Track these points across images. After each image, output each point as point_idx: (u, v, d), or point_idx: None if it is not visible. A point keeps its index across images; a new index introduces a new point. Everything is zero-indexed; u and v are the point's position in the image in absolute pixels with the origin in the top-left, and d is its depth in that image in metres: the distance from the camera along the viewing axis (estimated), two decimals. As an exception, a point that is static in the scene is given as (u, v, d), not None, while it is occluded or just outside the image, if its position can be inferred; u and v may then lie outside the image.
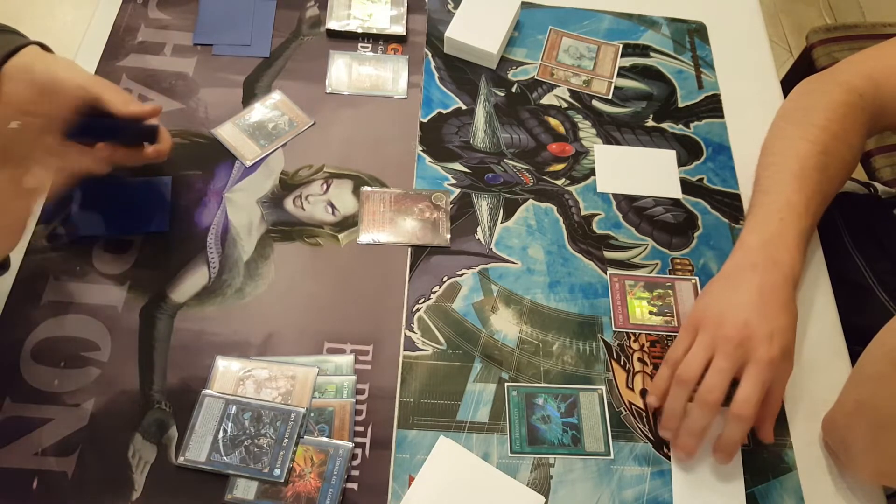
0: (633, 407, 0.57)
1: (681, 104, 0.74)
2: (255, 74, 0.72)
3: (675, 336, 0.60)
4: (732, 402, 0.52)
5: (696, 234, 0.66)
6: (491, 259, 0.63)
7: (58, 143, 0.52)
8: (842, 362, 0.61)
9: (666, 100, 0.74)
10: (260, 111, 0.69)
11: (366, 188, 0.66)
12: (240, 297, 0.60)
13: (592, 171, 0.69)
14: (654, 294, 0.63)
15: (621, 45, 0.78)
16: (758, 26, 0.81)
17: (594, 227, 0.66)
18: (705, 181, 0.70)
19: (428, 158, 0.68)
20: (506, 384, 0.57)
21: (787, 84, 0.72)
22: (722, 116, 0.74)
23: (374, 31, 0.75)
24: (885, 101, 0.64)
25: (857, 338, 0.62)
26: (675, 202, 0.68)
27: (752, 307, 0.54)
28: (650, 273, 0.64)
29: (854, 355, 0.61)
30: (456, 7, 0.77)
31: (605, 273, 0.63)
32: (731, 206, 0.68)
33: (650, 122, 0.73)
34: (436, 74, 0.74)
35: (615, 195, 0.68)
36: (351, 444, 0.53)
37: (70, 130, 0.53)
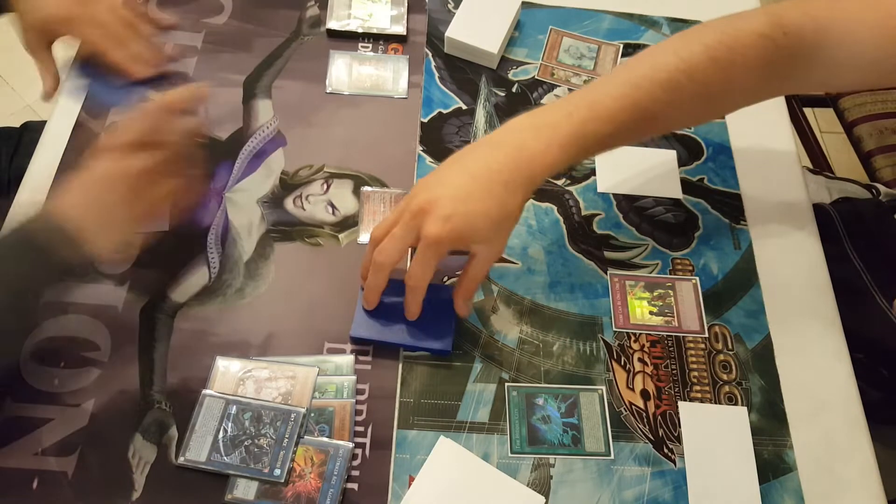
0: (633, 407, 0.57)
1: (681, 104, 0.74)
2: (255, 74, 0.72)
3: (676, 336, 0.60)
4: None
5: (696, 235, 0.66)
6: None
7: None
8: (842, 364, 0.61)
9: (666, 100, 0.74)
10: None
11: (366, 188, 0.66)
12: (240, 297, 0.60)
13: (593, 171, 0.69)
14: (655, 294, 0.63)
15: (622, 45, 0.78)
16: (758, 26, 0.81)
17: (594, 227, 0.66)
18: (706, 181, 0.70)
19: (428, 158, 0.68)
20: (506, 384, 0.57)
21: (788, 84, 0.72)
22: (722, 116, 0.74)
23: (375, 31, 0.75)
24: (823, 50, 0.53)
25: (856, 343, 0.62)
26: (676, 202, 0.68)
27: (453, 185, 0.51)
28: (650, 273, 0.64)
29: (854, 362, 0.61)
30: (456, 7, 0.77)
31: (606, 273, 0.63)
32: (731, 206, 0.68)
33: (650, 122, 0.73)
34: (436, 74, 0.74)
35: (615, 195, 0.68)
36: (351, 445, 0.53)
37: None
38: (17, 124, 0.85)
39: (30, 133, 0.82)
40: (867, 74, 0.56)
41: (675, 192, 0.69)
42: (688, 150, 0.71)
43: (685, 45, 0.53)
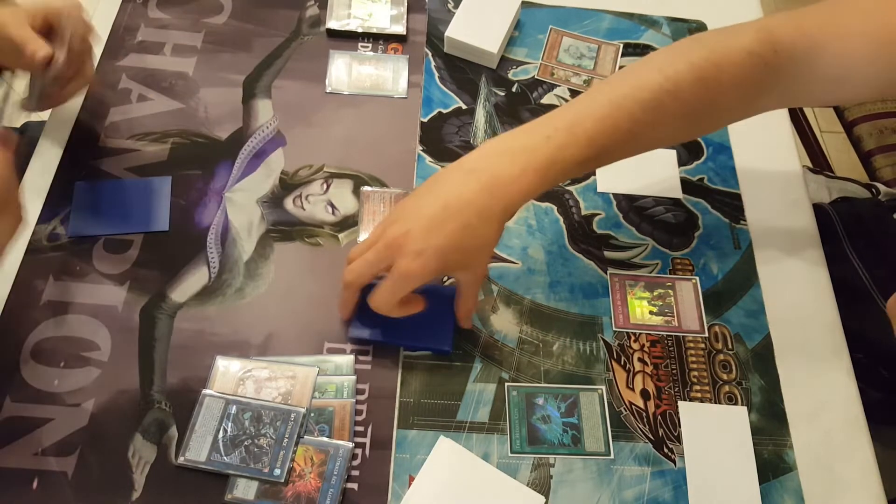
0: (633, 407, 0.57)
1: (681, 104, 0.74)
2: (255, 74, 0.72)
3: (676, 336, 0.60)
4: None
5: (696, 234, 0.66)
6: (491, 259, 0.63)
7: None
8: (842, 363, 0.61)
9: (666, 99, 0.74)
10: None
11: (366, 188, 0.66)
12: (240, 297, 0.60)
13: (593, 171, 0.69)
14: (655, 294, 0.63)
15: (622, 45, 0.77)
16: (758, 26, 0.81)
17: (594, 226, 0.66)
18: (706, 181, 0.70)
19: (428, 158, 0.68)
20: (506, 384, 0.57)
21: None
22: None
23: (375, 31, 0.75)
24: (817, 67, 0.52)
25: (856, 343, 0.62)
26: (676, 202, 0.68)
27: (425, 216, 0.50)
28: (650, 273, 0.64)
29: (854, 362, 0.61)
30: (456, 6, 0.77)
31: (606, 273, 0.63)
32: (731, 206, 0.68)
33: (650, 122, 0.72)
34: (436, 74, 0.74)
35: (615, 195, 0.68)
36: (351, 444, 0.53)
37: None
38: (17, 125, 0.85)
39: (30, 133, 0.82)
40: (863, 89, 0.54)
41: (675, 191, 0.69)
42: (688, 150, 0.71)
43: (671, 63, 0.52)
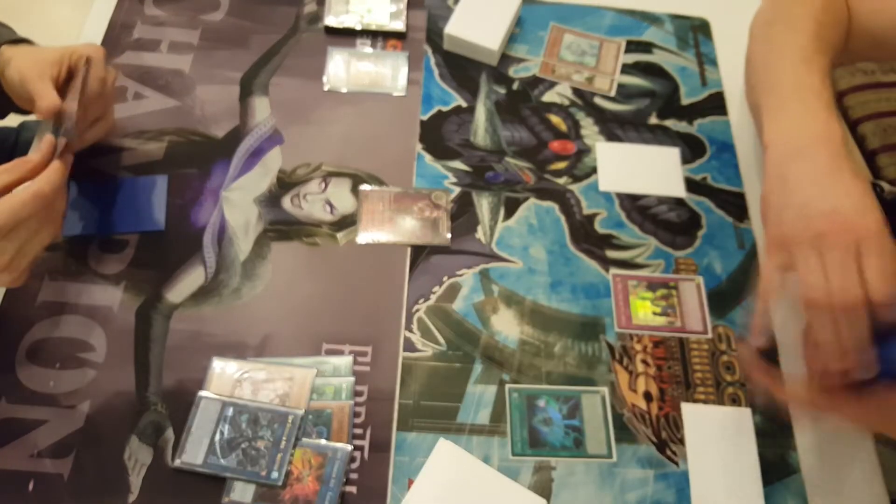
0: (635, 409, 0.56)
1: (684, 101, 0.73)
2: (252, 71, 0.71)
3: (679, 337, 0.60)
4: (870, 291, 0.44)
5: (700, 234, 0.66)
6: (492, 259, 0.62)
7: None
8: (847, 363, 0.60)
9: (669, 97, 0.74)
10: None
11: (365, 187, 0.65)
12: (237, 298, 0.59)
13: (594, 170, 0.68)
14: (658, 294, 0.62)
15: (624, 42, 0.77)
16: (762, 22, 0.80)
17: (596, 226, 0.65)
18: (709, 179, 0.69)
19: (428, 157, 0.68)
20: (507, 386, 0.57)
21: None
22: (725, 114, 0.73)
23: (374, 28, 0.74)
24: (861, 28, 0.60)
25: None
26: (679, 201, 0.67)
27: (828, 193, 0.48)
28: (653, 273, 0.63)
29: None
30: (456, 3, 0.76)
31: (608, 273, 0.63)
32: (735, 205, 0.67)
33: (653, 120, 0.72)
34: (436, 71, 0.73)
35: (618, 194, 0.67)
36: (349, 447, 0.53)
37: None
38: (14, 124, 0.85)
39: (26, 133, 0.81)
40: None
41: (679, 190, 0.68)
42: (691, 149, 0.70)
43: (792, 25, 0.58)
